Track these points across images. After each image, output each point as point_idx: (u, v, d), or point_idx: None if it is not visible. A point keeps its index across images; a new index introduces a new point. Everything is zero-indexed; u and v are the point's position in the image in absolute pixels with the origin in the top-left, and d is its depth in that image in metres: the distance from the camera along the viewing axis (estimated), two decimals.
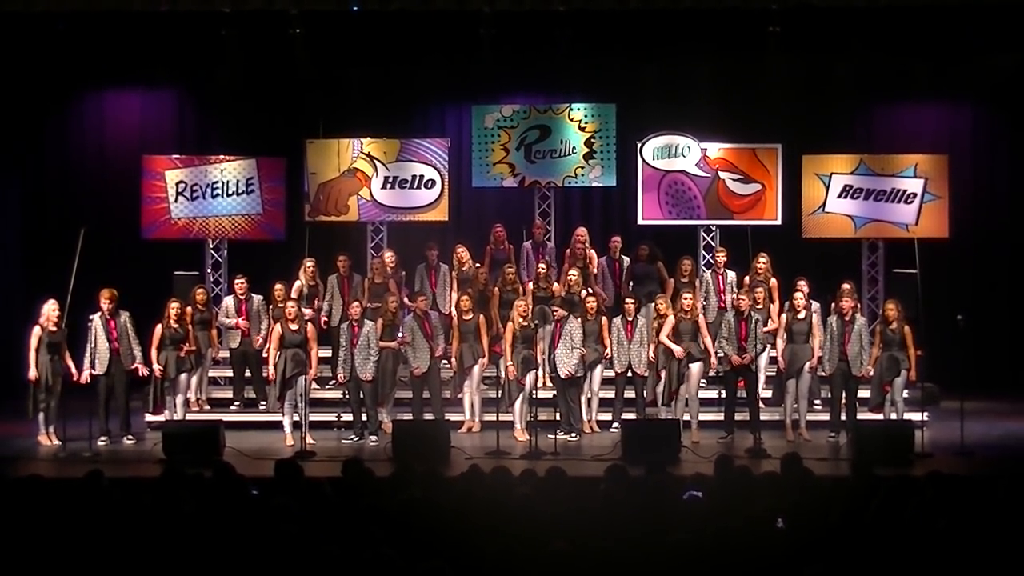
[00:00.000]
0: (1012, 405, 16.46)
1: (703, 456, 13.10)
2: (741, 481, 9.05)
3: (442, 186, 17.40)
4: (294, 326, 14.45)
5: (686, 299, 14.78)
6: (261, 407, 15.64)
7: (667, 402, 14.61)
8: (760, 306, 15.06)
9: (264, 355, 15.23)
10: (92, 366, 14.41)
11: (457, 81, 18.43)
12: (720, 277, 16.06)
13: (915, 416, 14.28)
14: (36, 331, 14.28)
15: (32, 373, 14.23)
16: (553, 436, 14.19)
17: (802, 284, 15.00)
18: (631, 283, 16.29)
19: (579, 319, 14.82)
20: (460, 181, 18.14)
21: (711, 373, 15.15)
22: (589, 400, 15.08)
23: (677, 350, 14.47)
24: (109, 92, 18.86)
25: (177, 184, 17.38)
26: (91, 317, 14.38)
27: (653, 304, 15.32)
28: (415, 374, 14.95)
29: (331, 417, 15.14)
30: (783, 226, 17.26)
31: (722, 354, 14.75)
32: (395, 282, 16.16)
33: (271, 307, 15.58)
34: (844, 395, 14.55)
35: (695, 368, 14.60)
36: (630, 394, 15.08)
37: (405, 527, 7.19)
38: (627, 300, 15.23)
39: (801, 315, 14.64)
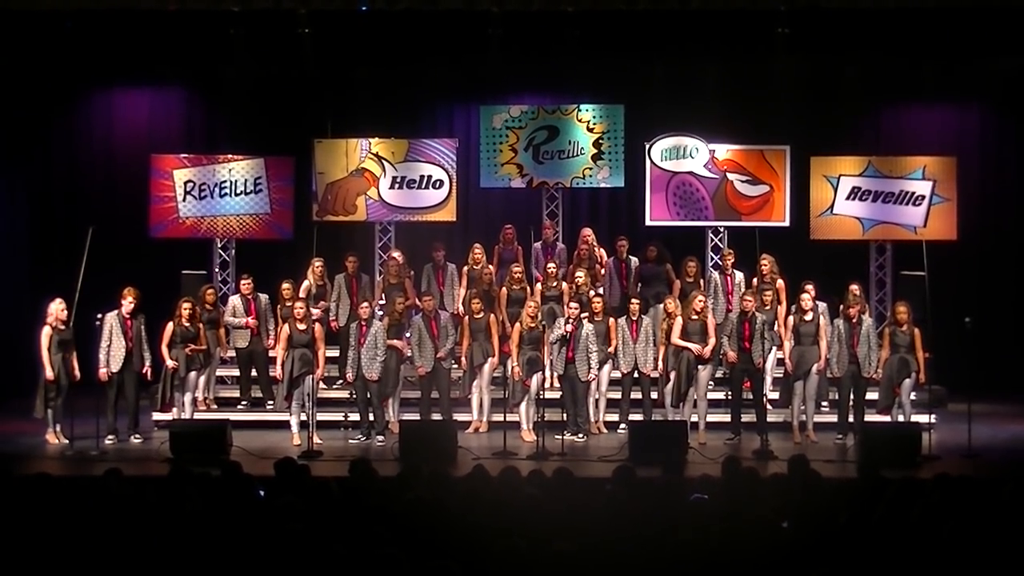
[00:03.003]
0: (1019, 408, 16.42)
1: (710, 457, 13.10)
2: (748, 483, 9.04)
3: (450, 186, 17.41)
4: (302, 326, 14.46)
5: (699, 300, 14.78)
6: (268, 406, 15.65)
7: (676, 404, 14.60)
8: (768, 307, 15.05)
9: (272, 355, 15.26)
10: (107, 364, 14.44)
11: (465, 81, 18.44)
12: (728, 278, 16.07)
13: (922, 418, 14.25)
14: (46, 331, 14.28)
15: (49, 373, 14.23)
16: (560, 437, 14.21)
17: (809, 288, 14.97)
18: (639, 284, 16.30)
19: (588, 319, 14.81)
20: (468, 181, 18.15)
21: (717, 375, 15.16)
22: (596, 401, 15.08)
23: (695, 348, 14.47)
24: (117, 91, 18.89)
25: (185, 183, 17.40)
26: (99, 315, 14.36)
27: (661, 305, 15.36)
28: (419, 373, 14.98)
29: (338, 417, 15.16)
30: (791, 228, 17.26)
31: (722, 352, 14.80)
32: (409, 282, 16.19)
33: (278, 306, 15.61)
34: (852, 397, 14.54)
35: (704, 370, 14.60)
36: (636, 395, 15.08)
37: (411, 527, 7.19)
38: (632, 301, 15.24)
39: (808, 317, 14.63)
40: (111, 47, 17.57)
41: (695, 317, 14.65)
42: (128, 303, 14.55)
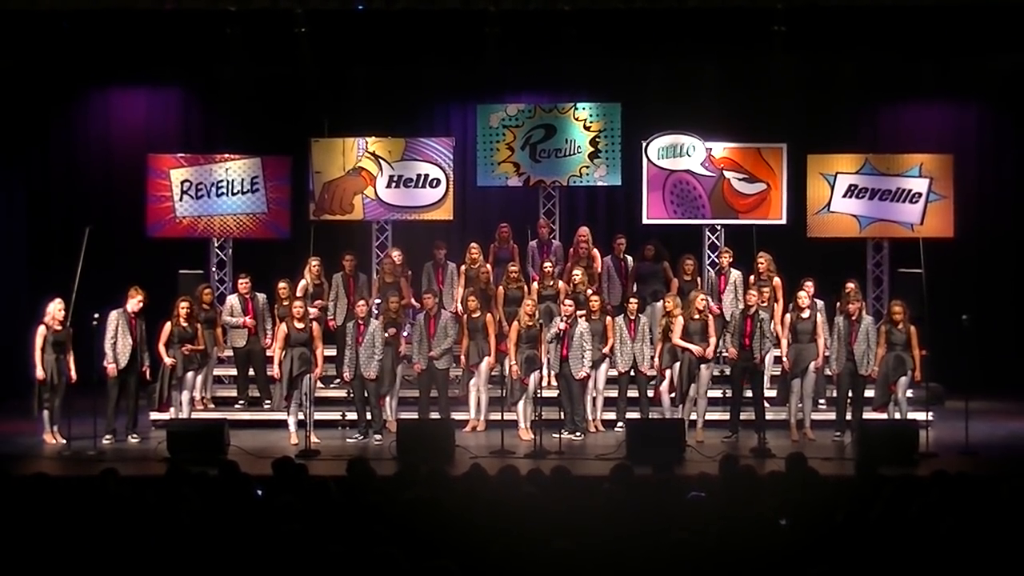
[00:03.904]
0: (1017, 405, 16.44)
1: (708, 456, 13.11)
2: (745, 481, 9.05)
3: (447, 185, 17.39)
4: (300, 325, 14.45)
5: (700, 299, 14.77)
6: (265, 406, 15.65)
7: (679, 403, 14.58)
8: (765, 305, 15.04)
9: (269, 354, 15.26)
10: (115, 359, 14.44)
11: (462, 80, 18.44)
12: (723, 277, 16.07)
13: (920, 416, 14.26)
14: (41, 330, 14.29)
15: (39, 373, 14.24)
16: (557, 435, 14.20)
17: (808, 285, 14.97)
18: (636, 282, 16.29)
19: (585, 318, 14.81)
20: (465, 180, 18.15)
21: (715, 373, 15.17)
22: (594, 399, 15.09)
23: (696, 349, 14.47)
24: (114, 91, 18.90)
25: (182, 183, 17.39)
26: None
27: (659, 303, 15.39)
28: (414, 369, 15.00)
29: (336, 416, 15.16)
30: (788, 226, 17.24)
31: (723, 352, 14.84)
32: (405, 280, 16.19)
33: (276, 306, 15.61)
34: (850, 394, 14.54)
35: (705, 369, 14.59)
36: (633, 393, 15.09)
37: (409, 526, 7.18)
38: (630, 300, 15.24)
39: (806, 314, 14.63)
40: (108, 47, 17.53)
41: (697, 317, 14.64)
42: (136, 302, 14.56)
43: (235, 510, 7.89)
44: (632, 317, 15.02)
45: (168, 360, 14.54)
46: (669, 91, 18.12)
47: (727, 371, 15.15)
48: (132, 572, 6.69)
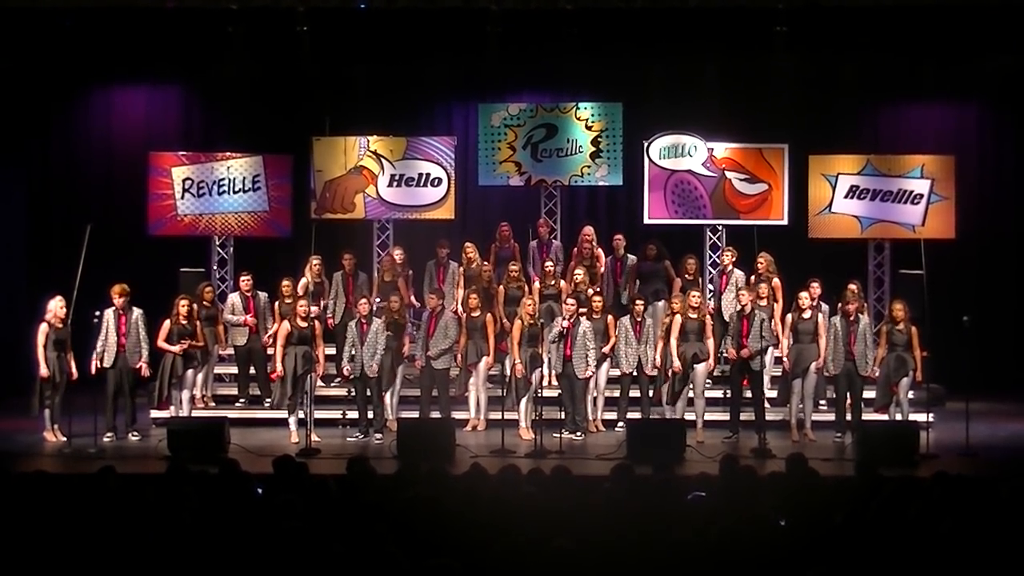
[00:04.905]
0: (1017, 406, 16.44)
1: (708, 456, 13.10)
2: (746, 481, 9.05)
3: (448, 184, 17.39)
4: (303, 323, 14.44)
5: (694, 297, 14.78)
6: (266, 404, 15.64)
7: (671, 402, 14.59)
8: (764, 304, 15.03)
9: (270, 352, 15.25)
10: (101, 359, 14.43)
11: (464, 79, 18.44)
12: (724, 277, 16.05)
13: (920, 417, 14.24)
14: (43, 328, 14.27)
15: (43, 370, 14.22)
16: (558, 435, 14.20)
17: (815, 286, 14.96)
18: (637, 282, 16.29)
19: (586, 317, 14.81)
20: (466, 179, 18.14)
21: (715, 373, 15.17)
22: (595, 399, 15.08)
23: (676, 366, 14.49)
24: (115, 88, 18.89)
25: (184, 181, 17.38)
26: (97, 312, 14.36)
27: (660, 303, 15.39)
28: (415, 365, 15.03)
29: (336, 415, 15.16)
30: (789, 226, 17.23)
31: (724, 353, 14.84)
32: (404, 280, 16.19)
33: (278, 304, 15.61)
34: (849, 395, 14.54)
35: (700, 368, 14.59)
36: (635, 393, 15.08)
37: (410, 525, 7.19)
38: (636, 301, 15.21)
39: (807, 315, 14.62)
40: (109, 44, 17.56)
41: (694, 316, 14.64)
42: (118, 298, 14.55)
43: (235, 508, 7.90)
44: (639, 319, 15.01)
45: (175, 348, 14.52)
46: (671, 91, 18.11)
47: (727, 371, 15.14)
48: (132, 570, 6.70)
